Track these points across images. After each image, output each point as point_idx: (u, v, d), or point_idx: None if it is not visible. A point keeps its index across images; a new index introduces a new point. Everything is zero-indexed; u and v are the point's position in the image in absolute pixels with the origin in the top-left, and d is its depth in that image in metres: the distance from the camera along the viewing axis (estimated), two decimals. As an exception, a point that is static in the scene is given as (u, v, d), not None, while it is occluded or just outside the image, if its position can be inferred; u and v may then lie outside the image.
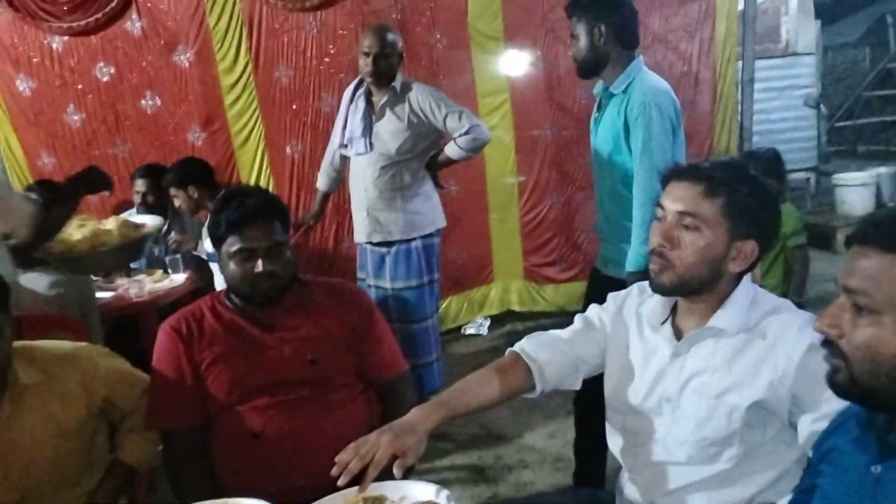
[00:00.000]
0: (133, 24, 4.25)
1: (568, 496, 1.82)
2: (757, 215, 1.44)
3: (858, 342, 1.01)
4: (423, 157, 3.41)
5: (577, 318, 1.74)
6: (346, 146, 3.45)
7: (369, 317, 1.99)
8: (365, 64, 3.25)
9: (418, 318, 3.45)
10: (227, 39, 4.25)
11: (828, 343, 1.06)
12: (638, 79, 2.53)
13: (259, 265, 1.82)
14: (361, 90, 3.40)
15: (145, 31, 4.25)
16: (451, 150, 3.36)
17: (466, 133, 3.27)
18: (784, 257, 3.49)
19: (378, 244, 3.45)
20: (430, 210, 3.45)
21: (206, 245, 3.57)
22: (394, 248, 3.42)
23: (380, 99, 3.33)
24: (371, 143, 3.34)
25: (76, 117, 4.38)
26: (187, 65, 4.30)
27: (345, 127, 3.44)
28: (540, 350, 1.64)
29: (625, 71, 2.54)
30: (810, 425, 1.32)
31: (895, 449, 1.02)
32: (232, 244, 1.84)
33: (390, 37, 3.26)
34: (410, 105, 3.30)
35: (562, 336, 1.69)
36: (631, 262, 2.47)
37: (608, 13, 2.55)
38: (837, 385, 1.05)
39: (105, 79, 4.35)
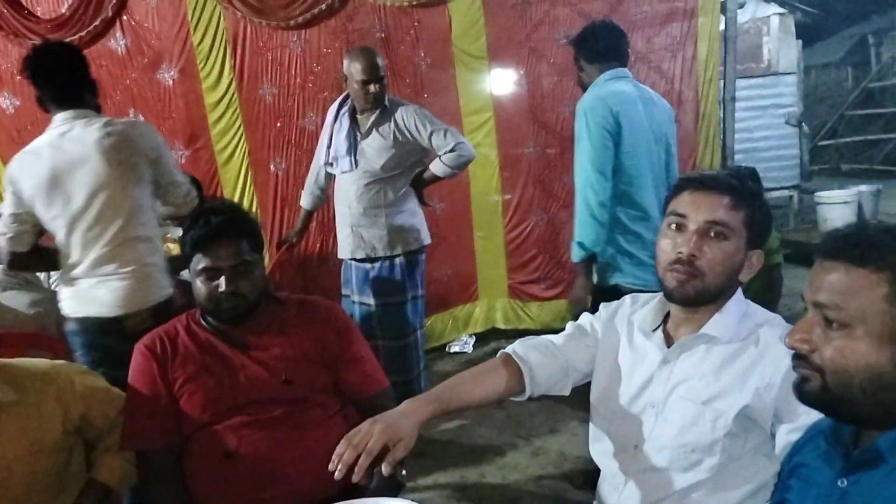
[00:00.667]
0: (117, 42, 4.25)
1: None
2: (766, 226, 1.51)
3: (831, 356, 1.02)
4: (408, 174, 3.43)
5: (569, 324, 1.75)
6: (331, 164, 3.46)
7: (346, 334, 1.97)
8: (361, 91, 3.27)
9: (402, 335, 3.46)
10: (211, 57, 4.25)
11: (799, 357, 1.07)
12: (590, 90, 2.86)
13: (223, 284, 1.80)
14: (346, 108, 3.42)
15: (129, 49, 4.25)
16: (437, 168, 3.38)
17: (452, 150, 3.30)
18: (764, 276, 3.54)
19: (362, 260, 3.46)
20: (414, 227, 3.47)
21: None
22: (377, 264, 3.43)
23: (367, 118, 3.36)
24: (356, 161, 3.36)
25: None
26: (171, 82, 4.30)
27: (329, 145, 3.45)
28: (531, 352, 1.64)
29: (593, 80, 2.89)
30: (786, 436, 1.34)
31: (861, 463, 1.03)
32: (198, 262, 1.83)
33: (379, 60, 3.30)
34: (396, 123, 3.33)
35: (553, 341, 1.69)
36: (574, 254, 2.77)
37: (579, 41, 2.95)
38: (807, 393, 1.06)
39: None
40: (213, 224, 1.83)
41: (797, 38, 7.86)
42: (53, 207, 2.46)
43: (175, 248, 3.09)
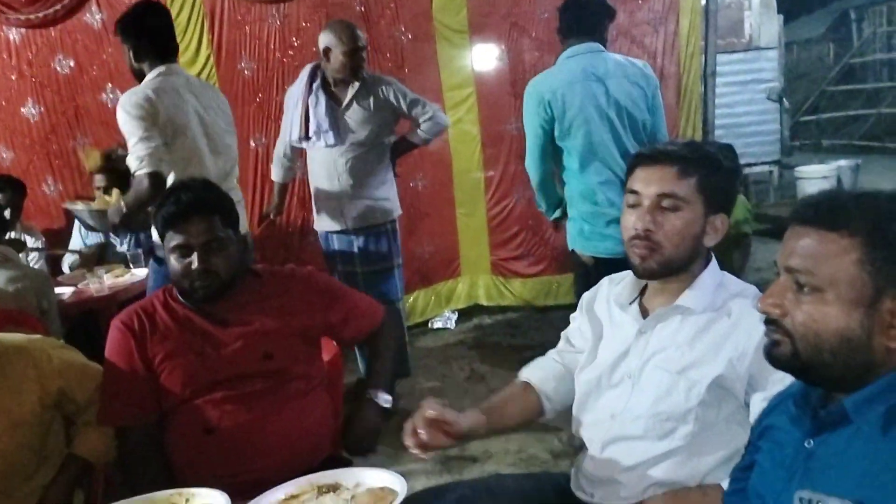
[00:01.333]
0: (93, 16, 4.20)
1: (522, 479, 1.82)
2: (725, 189, 1.53)
3: (803, 320, 1.03)
4: (387, 145, 3.54)
5: (562, 335, 1.82)
6: (308, 139, 3.47)
7: (328, 292, 1.99)
8: (345, 62, 3.32)
9: (391, 300, 3.54)
10: (188, 32, 4.20)
11: (771, 322, 1.08)
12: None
13: (195, 261, 1.79)
14: (317, 82, 3.44)
15: (105, 23, 4.19)
16: (415, 137, 3.55)
17: (430, 119, 3.45)
18: (733, 245, 3.62)
19: (345, 231, 3.51)
20: (393, 196, 3.60)
21: None
22: (363, 234, 3.52)
23: (345, 90, 3.41)
24: (340, 134, 3.40)
25: (35, 110, 4.30)
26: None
27: (307, 120, 3.45)
28: (539, 373, 1.77)
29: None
30: (760, 403, 1.35)
31: (827, 424, 1.05)
32: (170, 240, 1.82)
33: (359, 32, 3.37)
34: (375, 96, 3.40)
35: (556, 358, 1.78)
36: None
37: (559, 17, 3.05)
38: (777, 357, 1.08)
39: (64, 72, 4.28)
40: (184, 201, 1.81)
41: (779, 12, 7.85)
42: None
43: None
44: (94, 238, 4.05)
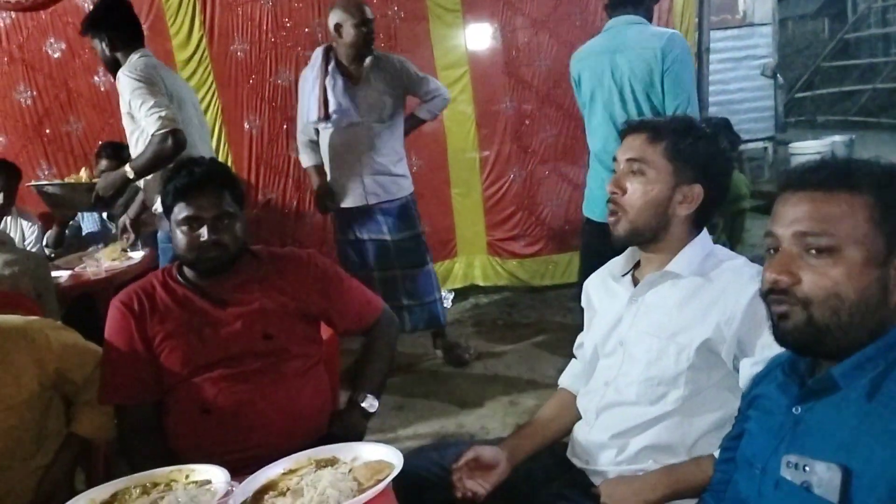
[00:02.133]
0: (83, -1, 4.16)
1: None
2: (702, 161, 1.54)
3: (819, 282, 1.02)
4: (400, 120, 3.65)
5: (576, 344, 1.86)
6: (327, 118, 3.50)
7: (325, 278, 1.99)
8: (359, 36, 3.40)
9: (420, 263, 3.72)
10: (180, 13, 4.18)
11: (777, 292, 1.06)
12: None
13: (204, 233, 1.80)
14: (332, 63, 3.47)
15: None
16: (423, 112, 3.71)
17: (437, 96, 3.62)
18: (731, 220, 3.66)
19: (368, 207, 3.61)
20: (407, 174, 3.73)
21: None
22: (387, 206, 3.63)
23: (360, 68, 3.49)
24: (360, 112, 3.49)
25: (27, 94, 4.28)
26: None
27: (325, 101, 3.48)
28: (568, 378, 1.84)
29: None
30: (750, 368, 1.38)
31: (814, 392, 1.06)
32: (179, 212, 1.83)
33: (366, 6, 3.45)
34: (387, 72, 3.51)
35: (577, 355, 1.84)
36: None
37: None
38: (788, 330, 1.06)
39: (56, 55, 4.26)
40: (197, 174, 1.83)
41: (773, -12, 7.83)
42: None
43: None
44: (90, 222, 4.06)
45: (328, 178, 3.65)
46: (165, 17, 4.18)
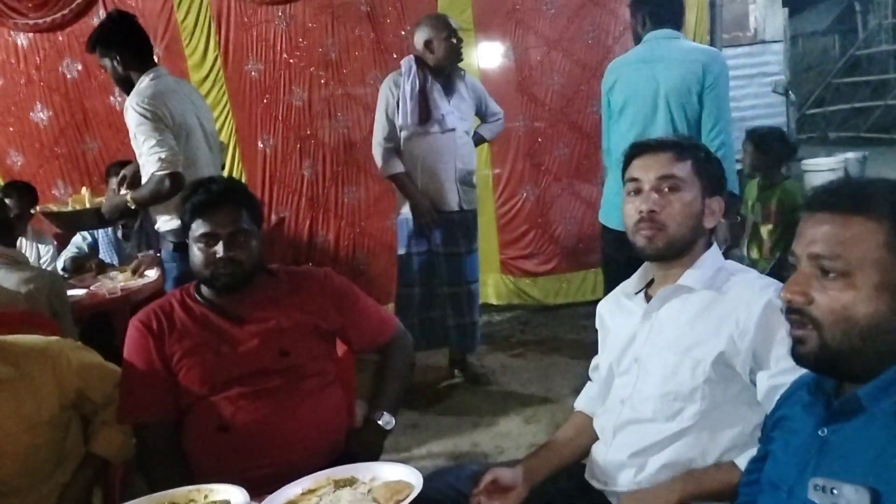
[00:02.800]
0: (100, 20, 4.20)
1: None
2: (717, 174, 1.62)
3: (831, 306, 1.02)
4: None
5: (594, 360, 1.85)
6: (425, 123, 3.57)
7: (341, 295, 1.99)
8: (448, 48, 3.55)
9: (476, 280, 3.81)
10: (195, 34, 4.23)
11: (794, 311, 1.07)
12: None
13: (220, 250, 1.82)
14: (427, 73, 3.58)
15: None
16: (486, 132, 3.90)
17: (498, 119, 3.88)
18: (788, 229, 3.65)
19: (452, 212, 3.68)
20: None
21: None
22: (460, 216, 3.70)
23: (454, 80, 3.65)
24: (453, 120, 3.61)
25: (43, 115, 4.33)
26: (156, 60, 4.26)
27: (426, 106, 3.56)
28: (584, 399, 1.82)
29: None
30: (768, 381, 1.40)
31: (841, 413, 1.05)
32: (196, 229, 1.85)
33: (451, 19, 3.66)
34: (469, 86, 3.71)
35: (593, 377, 1.83)
36: None
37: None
38: (804, 355, 1.06)
39: (72, 75, 4.31)
40: (215, 191, 1.85)
41: (783, 5, 7.84)
42: None
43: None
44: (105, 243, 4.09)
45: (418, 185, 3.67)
46: (181, 37, 4.23)
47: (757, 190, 3.86)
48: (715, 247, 1.62)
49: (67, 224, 3.45)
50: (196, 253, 1.86)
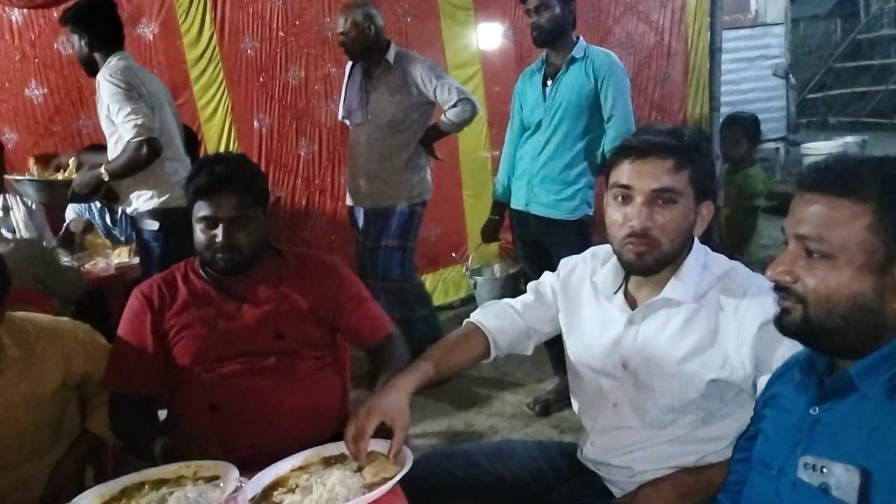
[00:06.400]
0: (95, -5, 4.16)
1: (530, 445, 1.84)
2: (711, 176, 1.51)
3: (815, 286, 1.03)
4: (415, 128, 3.50)
5: (530, 288, 1.78)
6: (346, 117, 3.55)
7: (341, 287, 1.96)
8: (354, 39, 3.39)
9: (392, 278, 3.58)
10: (191, 11, 4.16)
11: (781, 288, 1.07)
12: (590, 47, 3.10)
13: (220, 235, 1.80)
14: (356, 64, 3.50)
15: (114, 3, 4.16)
16: (442, 123, 3.47)
17: (454, 106, 3.36)
18: (745, 215, 3.66)
19: (363, 209, 3.59)
20: (417, 181, 3.56)
21: None
22: (381, 213, 3.54)
23: (375, 71, 3.44)
24: (368, 114, 3.45)
25: (38, 92, 4.28)
26: (151, 37, 4.21)
27: (344, 98, 3.54)
28: (495, 321, 1.72)
29: (576, 42, 3.09)
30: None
31: (833, 392, 1.05)
32: (198, 210, 1.83)
33: (352, 18, 3.38)
34: (404, 76, 3.40)
35: (515, 307, 1.75)
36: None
37: None
38: (788, 325, 1.07)
39: (67, 52, 4.24)
40: (217, 174, 1.82)
41: (785, -12, 7.80)
42: None
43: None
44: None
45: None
46: (177, 14, 4.17)
47: (723, 175, 3.82)
48: (696, 246, 1.52)
49: (40, 193, 3.41)
50: (198, 234, 1.85)
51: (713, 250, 1.57)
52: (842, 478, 0.98)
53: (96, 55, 2.99)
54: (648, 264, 1.46)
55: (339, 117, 3.64)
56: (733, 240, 3.74)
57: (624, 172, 1.45)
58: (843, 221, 1.01)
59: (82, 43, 3.00)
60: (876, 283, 1.00)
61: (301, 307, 1.88)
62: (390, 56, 3.42)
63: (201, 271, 1.91)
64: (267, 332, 1.83)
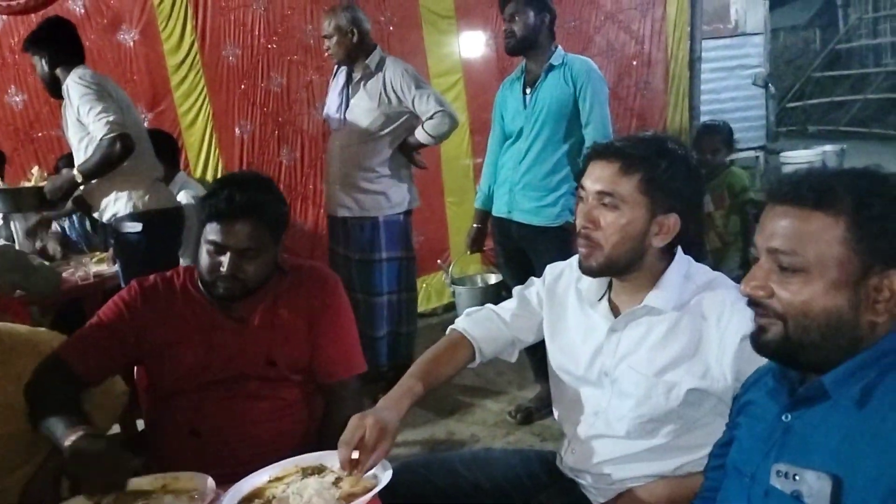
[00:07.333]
0: (75, 2, 4.14)
1: (510, 454, 1.83)
2: (677, 189, 1.44)
3: (790, 300, 1.02)
4: (392, 137, 3.42)
5: (515, 294, 1.77)
6: (325, 121, 3.54)
7: (327, 308, 1.87)
8: (338, 44, 3.37)
9: (376, 292, 3.51)
10: (172, 18, 4.16)
11: (755, 304, 1.06)
12: (568, 55, 3.14)
13: (225, 265, 1.71)
14: (340, 69, 3.48)
15: (87, 9, 4.14)
16: (419, 134, 3.38)
17: (431, 118, 3.29)
18: (740, 210, 3.73)
19: (337, 217, 3.53)
20: (393, 192, 3.47)
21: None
22: (354, 223, 3.48)
23: (356, 75, 3.40)
24: (345, 119, 3.39)
25: (18, 98, 4.25)
26: (132, 44, 4.21)
27: (327, 101, 3.52)
28: (480, 329, 1.70)
29: (555, 50, 3.13)
30: None
31: (805, 399, 1.05)
32: (209, 232, 1.73)
33: (335, 22, 3.34)
34: (384, 83, 3.34)
35: (502, 315, 1.73)
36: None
37: (550, 7, 3.16)
38: (766, 343, 1.06)
39: (47, 59, 4.23)
40: (236, 202, 1.70)
41: (764, -2, 7.88)
42: None
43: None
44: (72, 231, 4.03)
45: None
46: (157, 21, 4.16)
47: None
48: (678, 255, 1.51)
49: (8, 203, 3.38)
50: (203, 255, 1.75)
51: (698, 260, 1.57)
52: (814, 485, 0.98)
53: (59, 72, 3.02)
54: (593, 266, 1.47)
55: (322, 119, 3.63)
56: (739, 237, 3.81)
57: (585, 173, 1.49)
58: (816, 235, 1.00)
59: (43, 63, 3.04)
60: (850, 297, 1.00)
61: (296, 324, 1.82)
62: (372, 61, 3.36)
63: (200, 285, 1.83)
64: (259, 358, 1.78)
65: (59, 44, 3.04)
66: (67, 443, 1.50)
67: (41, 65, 3.05)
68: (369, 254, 3.48)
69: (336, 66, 3.54)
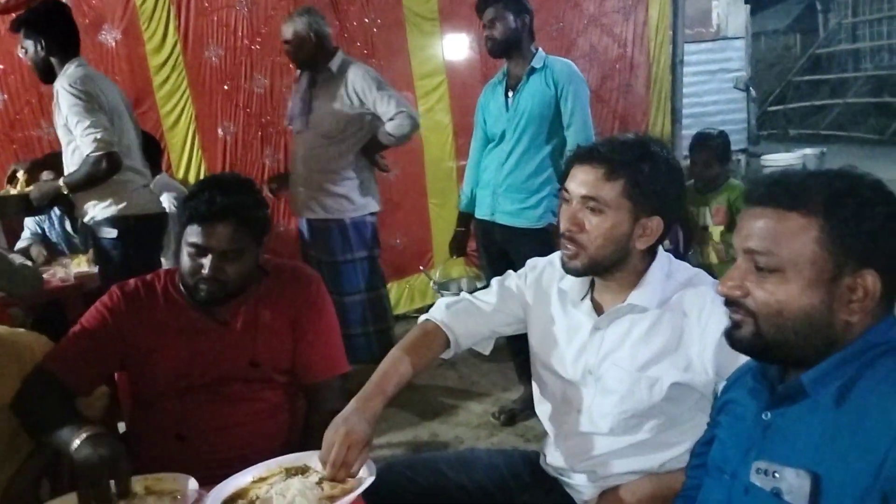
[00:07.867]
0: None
1: (494, 454, 1.84)
2: (660, 192, 1.46)
3: (765, 300, 1.04)
4: (355, 140, 3.42)
5: (495, 284, 1.75)
6: (289, 123, 3.51)
7: (309, 309, 1.87)
8: (294, 47, 3.37)
9: (346, 292, 3.51)
10: (154, 18, 4.12)
11: (732, 303, 1.08)
12: (549, 57, 3.17)
13: (207, 267, 1.70)
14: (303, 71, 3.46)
15: (69, 8, 4.10)
16: (381, 135, 3.38)
17: (391, 119, 3.29)
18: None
19: (306, 220, 3.54)
20: (357, 194, 3.47)
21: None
22: (320, 224, 3.49)
23: (319, 79, 3.39)
24: (308, 122, 3.39)
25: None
26: (114, 44, 4.16)
27: (290, 105, 3.51)
28: (456, 320, 1.68)
29: (535, 53, 3.15)
30: None
31: (784, 398, 1.07)
32: (190, 234, 1.72)
33: (293, 28, 3.35)
34: (346, 86, 3.34)
35: (478, 306, 1.72)
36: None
37: (528, 8, 3.17)
38: (740, 339, 1.08)
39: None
40: (218, 204, 1.69)
41: (746, 3, 7.96)
42: None
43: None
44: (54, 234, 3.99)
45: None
46: (139, 21, 4.13)
47: (696, 194, 3.64)
48: (660, 256, 1.54)
49: None
50: (184, 257, 1.74)
51: (677, 249, 1.59)
52: (793, 482, 1.00)
53: (53, 60, 2.96)
54: (577, 267, 1.50)
55: (285, 124, 3.60)
56: (729, 259, 3.71)
57: (569, 176, 1.51)
58: (790, 235, 1.02)
59: (38, 48, 2.96)
60: (825, 296, 1.01)
61: (279, 325, 1.82)
62: (333, 65, 3.36)
63: (182, 287, 1.82)
64: (242, 360, 1.78)
65: (56, 30, 2.97)
66: (73, 448, 1.48)
67: (35, 50, 2.97)
68: (337, 255, 3.49)
69: (299, 71, 3.53)
